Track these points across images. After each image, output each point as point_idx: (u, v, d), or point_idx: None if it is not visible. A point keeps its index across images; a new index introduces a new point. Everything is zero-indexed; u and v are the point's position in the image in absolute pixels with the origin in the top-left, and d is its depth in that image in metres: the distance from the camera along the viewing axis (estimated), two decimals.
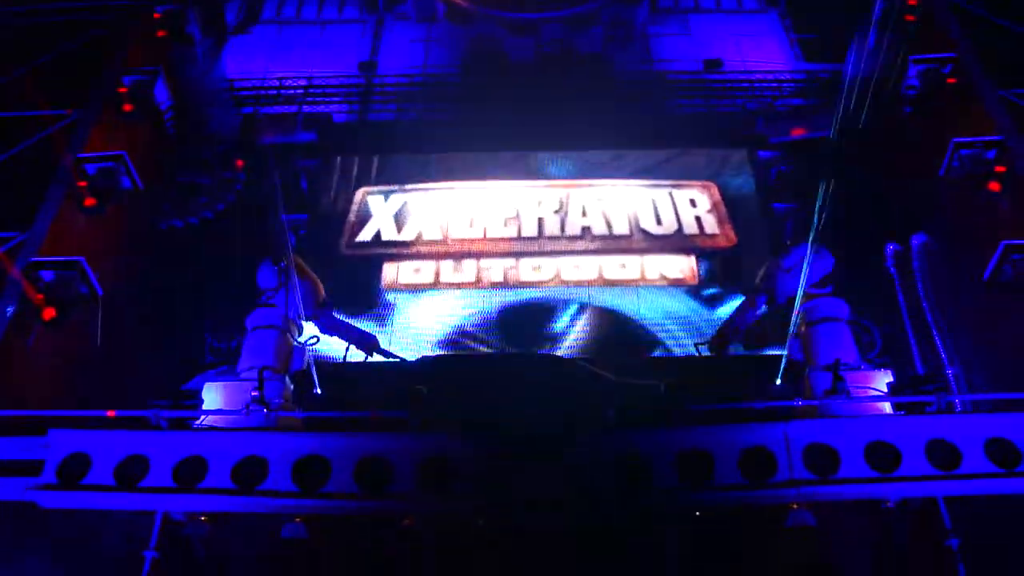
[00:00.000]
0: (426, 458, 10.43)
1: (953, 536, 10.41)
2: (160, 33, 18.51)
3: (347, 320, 14.50)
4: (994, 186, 14.15)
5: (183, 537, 11.18)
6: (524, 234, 17.21)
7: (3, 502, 10.66)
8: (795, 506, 10.55)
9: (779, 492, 10.40)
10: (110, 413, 11.37)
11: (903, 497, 10.75)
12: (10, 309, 12.85)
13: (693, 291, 16.00)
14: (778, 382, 12.24)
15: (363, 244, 17.28)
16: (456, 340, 15.30)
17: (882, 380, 12.18)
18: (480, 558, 11.16)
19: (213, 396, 12.27)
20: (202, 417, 11.68)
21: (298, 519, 10.65)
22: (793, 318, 13.16)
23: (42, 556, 10.79)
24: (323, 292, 14.17)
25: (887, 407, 11.71)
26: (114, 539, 10.95)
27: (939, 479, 10.47)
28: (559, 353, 14.07)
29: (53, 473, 10.60)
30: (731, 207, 17.51)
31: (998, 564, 10.44)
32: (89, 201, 14.58)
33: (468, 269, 16.56)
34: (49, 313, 13.04)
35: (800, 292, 13.09)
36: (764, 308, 13.68)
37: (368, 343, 13.97)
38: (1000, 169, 14.24)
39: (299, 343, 13.31)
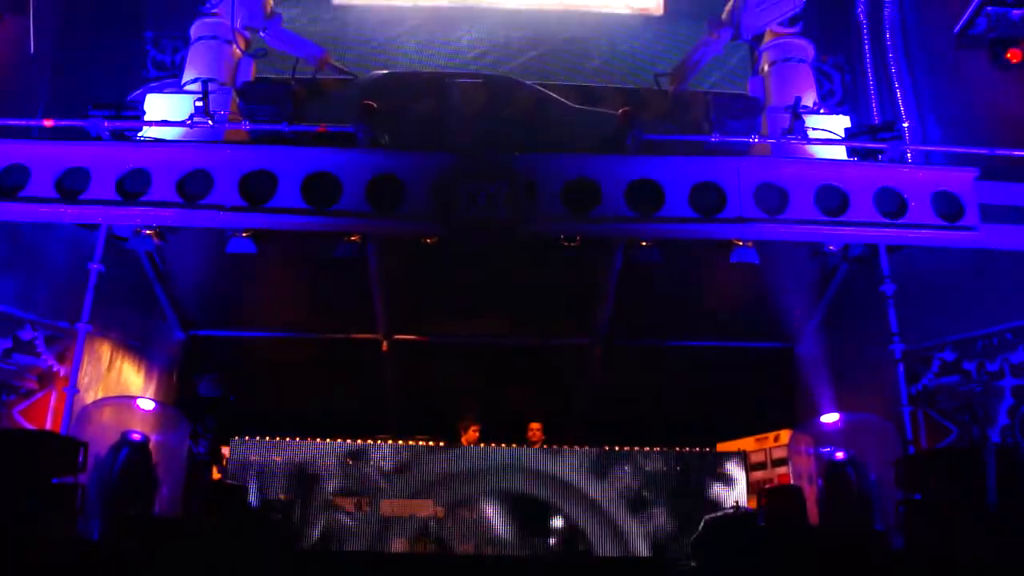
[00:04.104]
0: (375, 174, 10.29)
1: (890, 282, 10.67)
2: None
3: (296, 33, 13.77)
4: None
5: (128, 252, 11.12)
6: None
7: None
8: (740, 243, 10.66)
9: (727, 227, 10.50)
10: (47, 122, 10.94)
11: (846, 243, 10.92)
12: None
13: (658, 22, 15.35)
14: None
15: None
16: (410, 58, 14.67)
17: (839, 125, 12.06)
18: (427, 275, 11.31)
19: (156, 108, 11.81)
20: (144, 130, 11.29)
21: (245, 234, 10.57)
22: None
23: None
24: (271, 1, 13.41)
25: (842, 152, 11.67)
26: (60, 254, 10.84)
27: (884, 227, 10.62)
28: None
29: None
30: None
31: (926, 314, 10.78)
32: None
33: None
34: None
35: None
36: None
37: (318, 57, 13.39)
38: None
39: (246, 55, 12.80)
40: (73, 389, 10.10)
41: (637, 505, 11.20)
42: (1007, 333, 10.55)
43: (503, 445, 11.58)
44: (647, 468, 11.37)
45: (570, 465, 11.35)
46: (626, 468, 11.35)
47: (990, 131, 12.12)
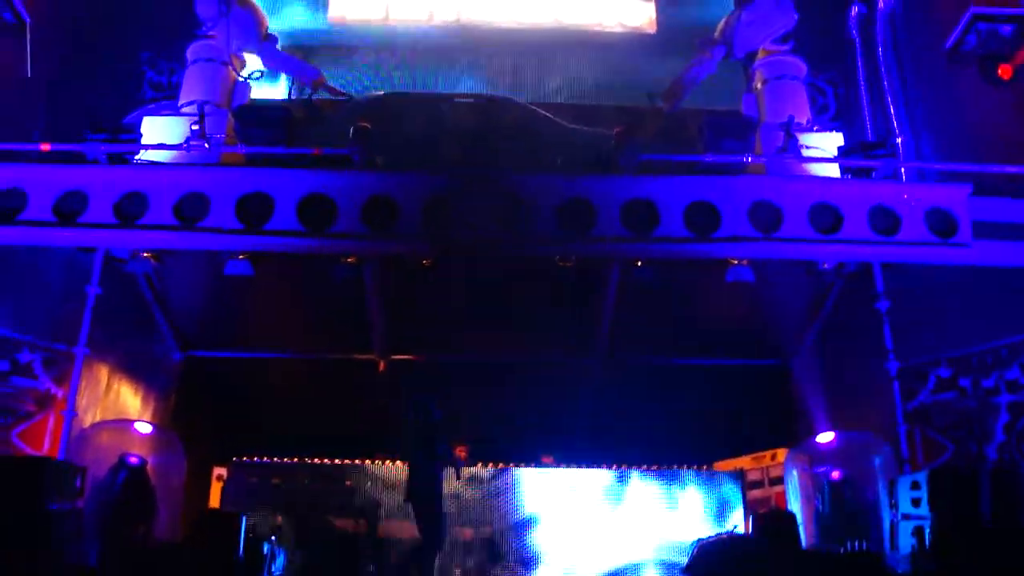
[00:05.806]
0: (370, 196, 10.29)
1: (884, 299, 10.70)
2: None
3: (291, 55, 13.81)
4: None
5: (126, 274, 11.14)
6: None
7: None
8: (736, 262, 10.70)
9: (722, 247, 10.51)
10: (44, 146, 10.95)
11: (840, 261, 10.94)
12: None
13: (651, 40, 15.27)
14: None
15: None
16: (404, 78, 14.65)
17: (833, 142, 12.11)
18: (422, 294, 11.33)
19: (153, 131, 11.84)
20: (141, 152, 11.31)
21: (242, 256, 10.61)
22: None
23: None
24: (267, 24, 13.44)
25: (835, 170, 11.70)
26: (57, 276, 10.85)
27: (878, 244, 10.60)
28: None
29: None
30: None
31: (921, 330, 10.80)
32: None
33: (419, 4, 15.38)
34: None
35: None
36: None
37: (314, 79, 13.42)
38: None
39: (242, 77, 12.85)
40: (71, 412, 10.13)
41: (633, 525, 11.23)
42: (1002, 350, 10.55)
43: (500, 465, 11.65)
44: (644, 487, 11.42)
45: (567, 485, 11.41)
46: (624, 487, 11.42)
47: (983, 147, 12.09)
